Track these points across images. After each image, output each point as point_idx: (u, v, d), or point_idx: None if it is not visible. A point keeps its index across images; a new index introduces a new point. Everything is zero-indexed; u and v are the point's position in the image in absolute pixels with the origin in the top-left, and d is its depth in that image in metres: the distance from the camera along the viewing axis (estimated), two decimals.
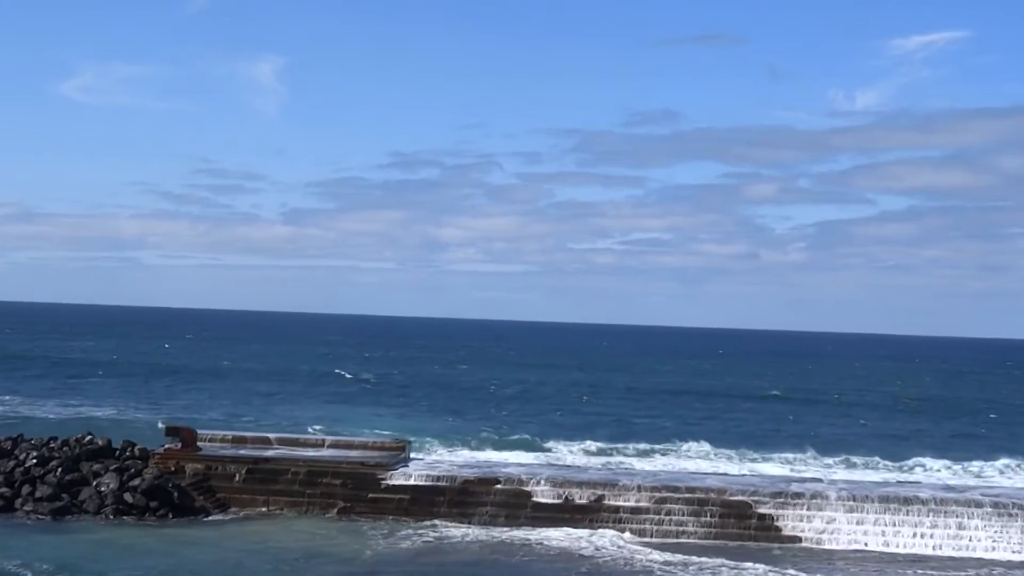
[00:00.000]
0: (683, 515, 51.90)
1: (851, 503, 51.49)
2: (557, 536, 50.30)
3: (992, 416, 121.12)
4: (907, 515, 50.96)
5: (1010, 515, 50.56)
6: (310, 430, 76.75)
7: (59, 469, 53.70)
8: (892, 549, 50.10)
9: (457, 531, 50.77)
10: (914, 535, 50.38)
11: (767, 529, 51.13)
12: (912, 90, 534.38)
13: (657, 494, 52.91)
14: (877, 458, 76.10)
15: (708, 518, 51.97)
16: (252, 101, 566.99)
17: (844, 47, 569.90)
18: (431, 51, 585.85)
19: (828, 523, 50.95)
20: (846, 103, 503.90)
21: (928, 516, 50.82)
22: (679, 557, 46.82)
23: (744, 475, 61.99)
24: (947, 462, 74.86)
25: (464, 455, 61.39)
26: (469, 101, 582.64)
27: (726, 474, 62.73)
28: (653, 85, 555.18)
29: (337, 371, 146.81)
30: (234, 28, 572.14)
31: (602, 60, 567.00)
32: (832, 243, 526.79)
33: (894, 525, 50.71)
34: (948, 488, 56.30)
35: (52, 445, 57.17)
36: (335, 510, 53.40)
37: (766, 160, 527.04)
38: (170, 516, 51.89)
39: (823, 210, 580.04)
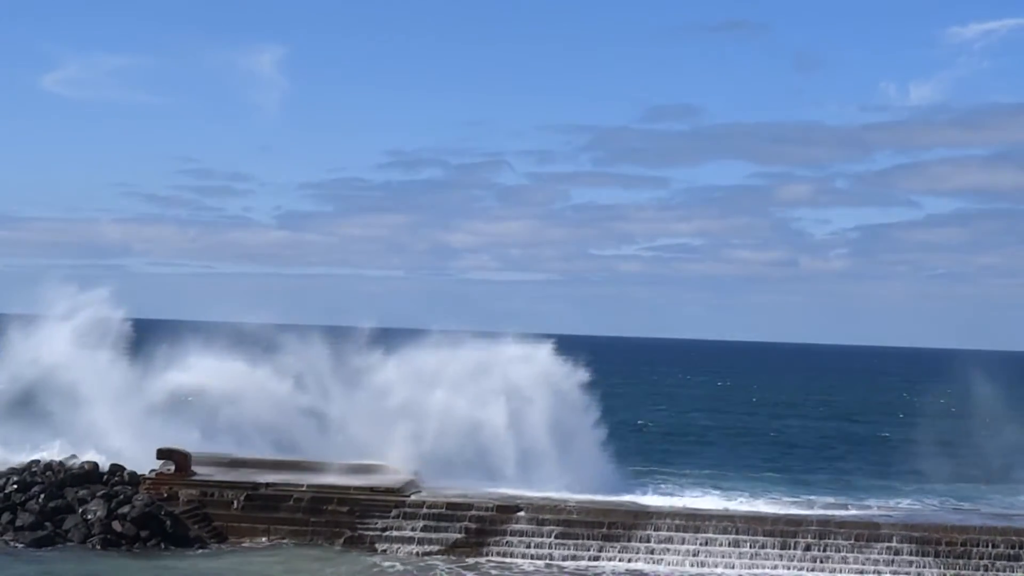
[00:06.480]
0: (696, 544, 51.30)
1: None
2: (583, 567, 48.22)
3: None
4: None
5: None
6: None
7: (41, 495, 53.62)
8: None
9: (473, 562, 49.31)
10: None
11: None
12: (969, 83, 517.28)
13: (680, 522, 52.33)
14: None
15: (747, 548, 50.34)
16: (249, 94, 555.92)
17: (886, 33, 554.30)
18: (427, 40, 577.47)
19: None
20: (898, 97, 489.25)
21: None
22: None
23: None
24: None
25: (483, 483, 59.35)
26: (470, 95, 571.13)
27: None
28: (670, 77, 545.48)
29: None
30: (233, 13, 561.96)
31: (613, 50, 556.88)
32: (876, 249, 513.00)
33: None
34: None
35: (34, 469, 56.40)
36: (342, 540, 51.89)
37: (799, 159, 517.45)
38: (162, 547, 51.57)
39: (864, 213, 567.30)
